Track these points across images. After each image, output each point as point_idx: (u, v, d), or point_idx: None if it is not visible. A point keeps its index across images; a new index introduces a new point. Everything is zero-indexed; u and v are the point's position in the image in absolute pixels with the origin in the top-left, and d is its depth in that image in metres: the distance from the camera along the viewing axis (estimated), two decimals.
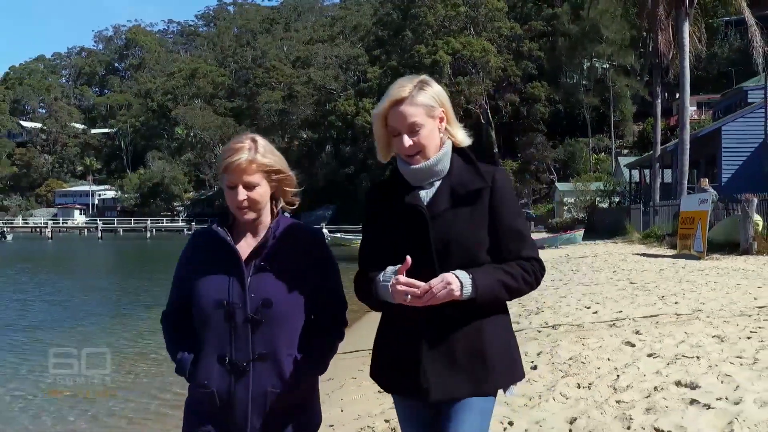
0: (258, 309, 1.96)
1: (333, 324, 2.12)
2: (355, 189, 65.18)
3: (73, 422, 6.00)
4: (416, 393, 1.97)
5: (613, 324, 6.95)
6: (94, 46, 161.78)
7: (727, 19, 49.73)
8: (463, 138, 2.06)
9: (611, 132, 54.77)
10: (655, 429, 3.65)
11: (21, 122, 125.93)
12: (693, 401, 3.98)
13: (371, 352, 2.15)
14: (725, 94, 36.25)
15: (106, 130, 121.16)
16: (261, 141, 2.03)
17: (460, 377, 1.93)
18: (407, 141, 1.97)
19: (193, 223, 72.64)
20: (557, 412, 4.16)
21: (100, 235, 72.50)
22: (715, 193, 18.44)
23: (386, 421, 4.44)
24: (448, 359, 1.94)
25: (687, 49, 22.49)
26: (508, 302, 2.05)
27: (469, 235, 1.95)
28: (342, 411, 5.02)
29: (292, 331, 2.03)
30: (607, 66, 56.60)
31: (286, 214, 2.14)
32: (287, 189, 2.10)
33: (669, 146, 29.60)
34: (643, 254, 17.10)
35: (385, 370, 2.08)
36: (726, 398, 3.97)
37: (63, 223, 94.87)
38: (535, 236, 30.33)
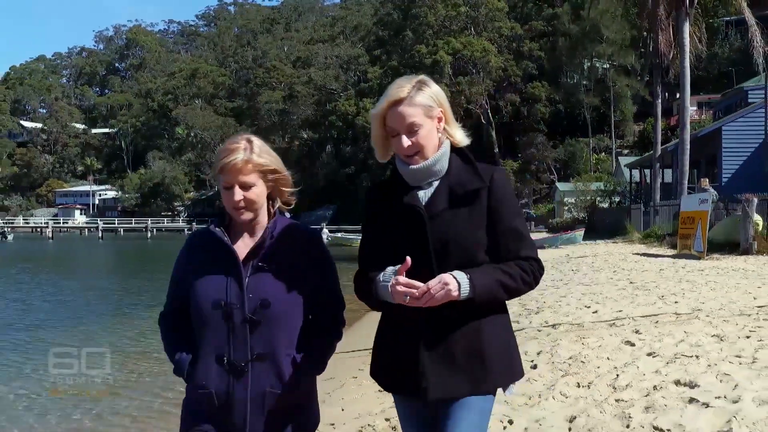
0: (256, 309, 1.97)
1: (331, 324, 2.12)
2: (355, 189, 65.21)
3: (78, 420, 6.02)
4: (415, 392, 1.97)
5: (613, 323, 6.97)
6: (94, 46, 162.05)
7: (728, 19, 49.73)
8: (462, 138, 2.07)
9: (611, 132, 54.79)
10: (654, 427, 3.67)
11: (22, 122, 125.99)
12: (692, 400, 4.00)
13: (371, 351, 2.16)
14: (725, 94, 36.26)
15: (106, 130, 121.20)
16: (256, 141, 2.04)
17: (458, 377, 1.94)
18: (406, 141, 1.97)
19: (194, 223, 72.65)
20: (557, 411, 4.18)
21: (100, 235, 72.54)
22: (716, 193, 18.46)
23: (387, 419, 4.45)
24: (447, 359, 1.94)
25: (687, 49, 22.51)
26: (507, 302, 2.05)
27: (468, 235, 1.95)
28: (342, 410, 5.03)
29: (290, 331, 2.03)
30: (608, 66, 56.60)
31: (287, 214, 2.14)
32: (284, 189, 2.10)
33: (669, 146, 29.61)
34: (644, 254, 17.12)
35: (385, 370, 2.08)
36: (725, 397, 3.99)
37: (63, 223, 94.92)
38: (535, 236, 30.43)
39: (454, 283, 1.86)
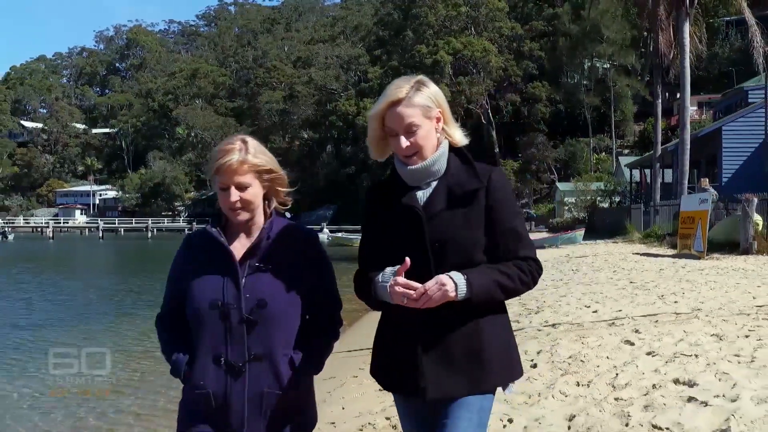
0: (253, 309, 1.96)
1: (328, 324, 2.12)
2: (356, 189, 65.23)
3: (83, 419, 6.07)
4: (414, 392, 1.98)
5: (613, 323, 6.99)
6: (95, 46, 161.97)
7: (728, 19, 49.72)
8: (461, 138, 2.07)
9: (612, 132, 54.79)
10: (652, 426, 3.69)
11: (22, 122, 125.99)
12: (691, 399, 4.02)
13: (371, 350, 2.17)
14: (726, 94, 36.28)
15: (107, 130, 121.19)
16: (251, 141, 2.03)
17: (457, 376, 1.95)
18: (404, 142, 1.97)
19: (194, 223, 72.62)
20: (556, 410, 4.20)
21: (101, 234, 72.55)
22: (716, 192, 18.48)
23: (387, 418, 4.47)
24: (446, 358, 1.95)
25: (687, 49, 22.53)
26: (507, 301, 2.06)
27: (465, 236, 1.96)
28: (343, 409, 5.06)
29: (287, 331, 2.03)
30: (608, 66, 56.59)
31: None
32: (280, 189, 2.09)
33: (669, 146, 29.62)
34: (644, 254, 17.14)
35: (384, 369, 2.09)
36: (723, 396, 4.01)
37: (64, 223, 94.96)
38: (535, 236, 30.50)
39: (451, 283, 1.87)
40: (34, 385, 7.25)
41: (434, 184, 2.02)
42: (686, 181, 22.36)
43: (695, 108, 41.52)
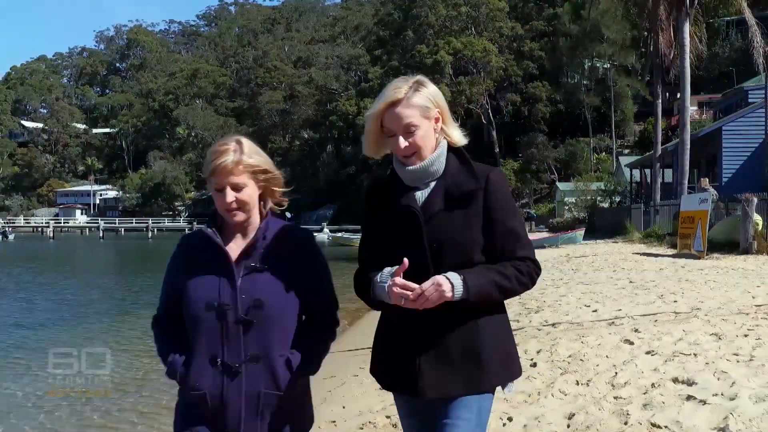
0: (249, 310, 1.96)
1: (325, 324, 2.12)
2: (356, 189, 65.19)
3: (87, 417, 6.12)
4: (413, 391, 2.00)
5: (613, 322, 7.01)
6: (95, 46, 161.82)
7: (728, 18, 49.72)
8: (459, 138, 2.07)
9: (612, 132, 54.77)
10: (651, 424, 3.71)
11: (22, 122, 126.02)
12: (689, 397, 4.04)
13: (371, 350, 2.18)
14: (726, 94, 36.27)
15: (107, 130, 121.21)
16: (246, 142, 2.03)
17: (455, 376, 1.96)
18: (403, 142, 1.97)
19: (195, 223, 72.63)
20: (556, 408, 4.23)
21: (101, 234, 72.63)
22: (715, 192, 18.51)
23: (387, 417, 4.50)
24: (444, 358, 1.96)
25: (687, 48, 22.55)
26: (507, 301, 2.06)
27: (463, 236, 1.96)
28: (344, 407, 5.08)
29: (284, 331, 2.03)
30: (608, 66, 56.56)
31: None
32: (275, 189, 2.09)
33: (670, 146, 29.64)
34: (644, 254, 17.15)
35: (384, 369, 2.10)
36: (722, 394, 4.03)
37: (64, 222, 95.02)
38: (536, 236, 30.51)
39: (447, 284, 1.88)
40: (38, 384, 7.30)
41: (433, 184, 2.02)
42: (686, 181, 22.39)
43: (695, 108, 41.52)
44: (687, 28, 22.50)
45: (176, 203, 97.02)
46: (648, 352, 5.35)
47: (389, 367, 2.07)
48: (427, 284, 1.87)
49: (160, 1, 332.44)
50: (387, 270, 1.96)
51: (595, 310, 7.93)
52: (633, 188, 35.38)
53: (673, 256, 15.75)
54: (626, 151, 53.69)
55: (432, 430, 2.00)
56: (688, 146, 22.46)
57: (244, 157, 1.99)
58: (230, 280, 1.98)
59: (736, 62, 47.47)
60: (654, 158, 28.30)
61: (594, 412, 4.04)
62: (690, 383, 4.34)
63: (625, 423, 3.79)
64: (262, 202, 2.08)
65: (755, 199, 14.95)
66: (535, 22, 68.00)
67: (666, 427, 3.65)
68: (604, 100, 55.96)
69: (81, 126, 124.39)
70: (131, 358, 8.63)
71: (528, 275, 1.99)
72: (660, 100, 28.79)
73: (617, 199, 36.49)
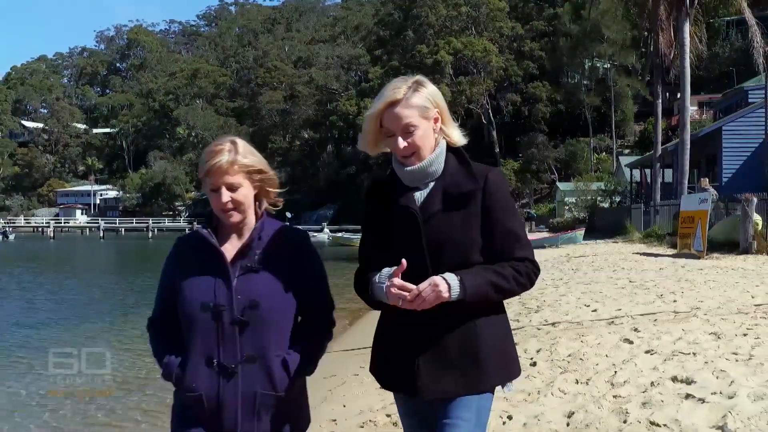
0: (245, 310, 1.95)
1: (321, 324, 2.12)
2: (356, 189, 65.21)
3: (92, 415, 6.17)
4: (412, 391, 2.00)
5: (612, 322, 7.03)
6: (95, 46, 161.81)
7: (728, 18, 49.71)
8: (459, 138, 2.07)
9: (612, 132, 54.76)
10: (650, 422, 3.73)
11: (23, 122, 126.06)
12: (688, 396, 4.06)
13: (371, 349, 2.19)
14: (726, 94, 36.28)
15: (107, 130, 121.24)
16: (240, 142, 2.03)
17: (453, 376, 1.96)
18: (401, 143, 1.98)
19: (195, 223, 72.66)
20: (555, 407, 4.25)
21: (102, 234, 72.67)
22: (715, 192, 18.52)
23: (387, 415, 4.52)
24: (442, 358, 1.97)
25: (688, 48, 22.56)
26: (507, 301, 2.07)
27: (462, 237, 1.96)
28: (344, 406, 5.11)
29: (280, 332, 2.02)
30: (609, 66, 56.55)
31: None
32: (270, 189, 2.09)
33: (670, 146, 29.64)
34: (644, 253, 17.17)
35: (383, 368, 2.11)
36: (720, 393, 4.05)
37: (65, 222, 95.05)
38: (536, 235, 30.52)
39: (444, 285, 1.88)
40: (41, 383, 7.34)
41: (432, 184, 2.02)
42: (686, 181, 22.40)
43: (695, 108, 41.53)
44: (687, 28, 22.51)
45: (176, 203, 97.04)
46: (647, 351, 5.37)
47: (388, 367, 2.08)
48: (424, 285, 1.88)
49: (160, 1, 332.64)
50: (386, 270, 1.97)
51: (594, 310, 7.95)
52: (633, 188, 35.40)
53: (673, 255, 15.76)
54: (626, 151, 53.69)
55: (432, 430, 2.00)
56: (688, 146, 22.47)
57: (239, 157, 1.99)
58: (226, 281, 1.98)
59: (736, 62, 47.47)
60: (654, 158, 28.31)
61: (593, 410, 4.06)
62: (689, 382, 4.36)
63: (624, 421, 3.82)
64: (257, 203, 2.08)
65: (755, 199, 14.97)
66: (535, 22, 67.98)
67: (665, 425, 3.67)
68: (604, 100, 55.96)
69: (81, 126, 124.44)
70: (134, 357, 8.66)
71: (526, 276, 1.99)
72: (660, 100, 28.80)
73: (617, 199, 36.49)
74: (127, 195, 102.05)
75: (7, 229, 70.67)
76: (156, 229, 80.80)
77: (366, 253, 2.12)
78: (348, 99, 72.29)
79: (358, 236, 2.48)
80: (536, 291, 9.36)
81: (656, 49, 25.66)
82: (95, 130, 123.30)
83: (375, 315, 2.16)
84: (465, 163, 2.04)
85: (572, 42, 55.06)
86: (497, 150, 62.62)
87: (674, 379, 4.48)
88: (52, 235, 72.70)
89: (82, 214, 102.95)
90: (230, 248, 2.03)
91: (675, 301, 8.19)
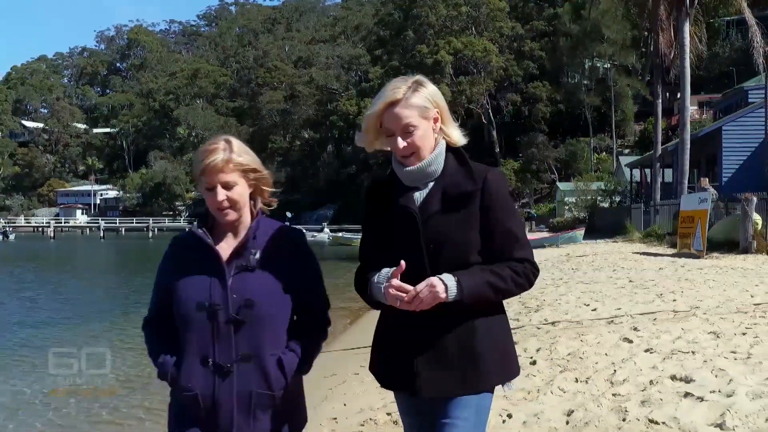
0: (240, 309, 1.95)
1: (316, 323, 2.11)
2: (356, 189, 65.21)
3: (96, 413, 6.22)
4: (411, 390, 2.01)
5: (612, 321, 7.05)
6: (95, 46, 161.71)
7: (728, 18, 49.71)
8: (459, 138, 2.07)
9: (612, 132, 54.77)
10: (649, 420, 3.75)
11: (23, 122, 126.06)
12: (687, 394, 4.08)
13: (371, 348, 2.20)
14: (726, 94, 36.29)
15: (108, 130, 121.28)
16: (235, 141, 2.04)
17: (451, 376, 1.97)
18: (401, 143, 1.98)
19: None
20: (555, 405, 4.27)
21: (102, 234, 72.76)
22: (715, 192, 18.54)
23: (388, 414, 4.54)
24: (441, 358, 1.97)
25: (688, 48, 22.57)
26: (507, 300, 2.07)
27: (460, 237, 1.96)
28: (345, 405, 5.13)
29: (275, 331, 2.02)
30: (609, 66, 56.56)
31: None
32: (265, 188, 2.09)
33: (670, 146, 29.66)
34: (644, 253, 17.19)
35: (382, 368, 2.12)
36: (719, 391, 4.07)
37: (65, 222, 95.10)
38: (536, 235, 30.52)
39: (441, 285, 1.88)
40: (45, 382, 7.39)
41: (431, 185, 2.02)
42: (686, 181, 22.42)
43: (695, 108, 41.52)
44: (687, 28, 22.53)
45: (177, 203, 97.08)
46: (647, 350, 5.39)
47: (388, 367, 2.09)
48: (421, 286, 1.88)
49: (160, 1, 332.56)
50: (385, 271, 1.97)
51: (594, 309, 7.97)
52: (633, 188, 35.42)
53: (673, 255, 15.79)
54: (626, 150, 53.70)
55: (432, 428, 2.01)
56: (688, 146, 22.49)
57: (234, 155, 1.99)
58: (221, 280, 1.98)
59: (736, 62, 47.46)
60: (654, 158, 28.33)
61: (593, 409, 4.09)
62: (688, 380, 4.38)
63: (624, 419, 3.84)
64: (252, 202, 2.08)
65: (755, 199, 14.99)
66: (535, 22, 67.98)
67: (664, 423, 3.69)
68: (604, 99, 55.97)
69: (81, 126, 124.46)
70: (136, 356, 8.69)
71: (524, 276, 1.99)
72: (660, 100, 28.81)
73: (617, 198, 36.51)
74: (128, 195, 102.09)
75: (7, 228, 70.75)
76: (156, 229, 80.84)
77: (366, 253, 2.12)
78: (348, 99, 72.32)
79: (358, 236, 2.49)
80: (536, 290, 9.38)
81: (656, 49, 25.68)
82: (95, 130, 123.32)
83: (375, 314, 2.17)
84: (464, 164, 2.04)
85: (572, 42, 55.07)
86: (497, 150, 62.64)
87: (673, 377, 4.50)
88: (52, 235, 72.76)
89: (82, 214, 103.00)
90: (226, 247, 2.03)
91: (674, 300, 8.21)
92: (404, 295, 1.89)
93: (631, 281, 10.64)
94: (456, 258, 1.95)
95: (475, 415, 1.98)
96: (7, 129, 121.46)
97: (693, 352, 5.14)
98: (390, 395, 3.17)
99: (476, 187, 1.98)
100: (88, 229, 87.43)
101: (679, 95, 28.09)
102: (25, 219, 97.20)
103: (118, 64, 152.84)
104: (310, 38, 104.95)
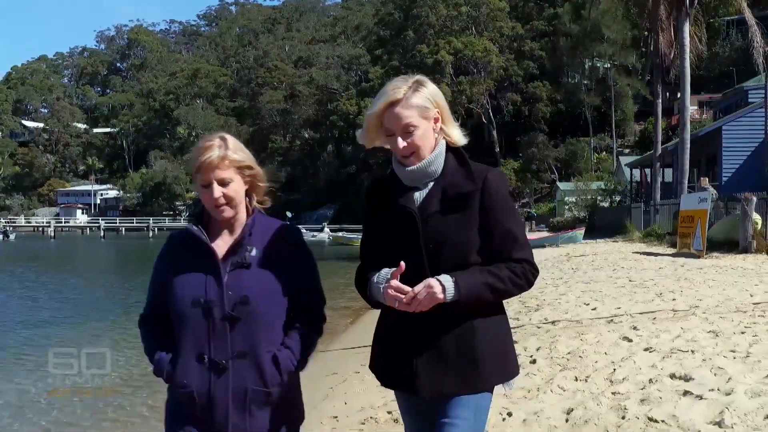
0: (236, 306, 1.96)
1: (312, 320, 2.11)
2: (356, 188, 65.20)
3: (101, 411, 6.30)
4: (410, 389, 2.02)
5: (611, 320, 7.07)
6: (96, 46, 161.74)
7: (728, 18, 49.72)
8: (459, 138, 2.07)
9: (612, 131, 54.78)
10: (648, 418, 3.78)
11: (23, 122, 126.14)
12: (686, 392, 4.11)
13: (371, 347, 2.21)
14: (726, 93, 36.30)
15: (108, 130, 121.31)
16: (230, 138, 2.04)
17: (450, 376, 1.97)
18: (401, 142, 1.98)
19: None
20: (555, 403, 4.29)
21: (102, 234, 72.84)
22: (715, 192, 18.56)
23: (389, 412, 4.56)
24: (440, 359, 1.98)
25: (688, 48, 22.58)
26: (507, 300, 2.07)
27: (460, 237, 1.96)
28: (346, 404, 5.15)
29: (270, 327, 2.02)
30: (609, 66, 56.56)
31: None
32: (260, 185, 2.09)
33: (670, 146, 29.67)
34: (644, 253, 17.20)
35: (382, 367, 2.12)
36: (718, 389, 4.09)
37: (65, 222, 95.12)
38: (536, 235, 30.52)
39: (438, 286, 1.88)
40: (50, 381, 7.42)
41: (431, 185, 2.03)
42: (686, 181, 22.43)
43: (695, 107, 41.54)
44: (687, 27, 22.54)
45: (177, 203, 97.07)
46: (646, 349, 5.41)
47: (387, 367, 2.10)
48: (418, 287, 1.89)
49: (160, 1, 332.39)
50: (385, 271, 1.98)
51: (594, 308, 7.99)
52: (633, 188, 35.44)
53: (673, 255, 15.80)
54: (626, 150, 53.70)
55: (432, 427, 2.02)
56: (688, 146, 22.51)
57: (230, 152, 2.00)
58: (216, 277, 1.98)
59: (736, 62, 47.47)
60: (654, 158, 28.33)
61: (592, 407, 4.11)
62: (687, 379, 4.40)
63: (623, 417, 3.86)
64: (247, 199, 2.09)
65: (754, 199, 14.99)
66: (535, 21, 67.98)
67: (663, 421, 3.71)
68: (604, 99, 55.97)
69: (82, 126, 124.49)
70: (139, 354, 8.70)
71: (523, 277, 1.98)
72: (660, 100, 28.81)
73: (617, 198, 36.53)
74: (128, 195, 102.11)
75: (7, 228, 70.82)
76: (156, 229, 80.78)
77: (366, 253, 2.13)
78: (348, 99, 72.31)
79: (359, 236, 2.51)
80: (536, 290, 9.40)
81: (656, 49, 25.69)
82: (96, 130, 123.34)
83: (376, 314, 2.18)
84: (464, 164, 2.04)
85: (572, 42, 55.08)
86: (497, 149, 62.65)
87: (672, 376, 4.52)
88: (52, 234, 72.84)
89: (82, 213, 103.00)
90: (221, 244, 2.04)
91: (674, 299, 8.23)
92: (403, 296, 1.90)
93: (630, 281, 10.66)
94: (455, 258, 1.96)
95: (474, 415, 1.99)
96: (7, 129, 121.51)
97: (692, 351, 5.16)
98: (390, 394, 3.20)
99: (476, 188, 1.98)
100: (88, 228, 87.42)
101: (679, 95, 28.10)
102: (25, 219, 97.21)
103: (118, 64, 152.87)
104: (310, 38, 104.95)
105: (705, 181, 19.35)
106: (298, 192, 77.57)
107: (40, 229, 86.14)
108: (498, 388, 2.09)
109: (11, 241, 60.47)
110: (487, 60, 61.22)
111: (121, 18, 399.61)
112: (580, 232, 27.94)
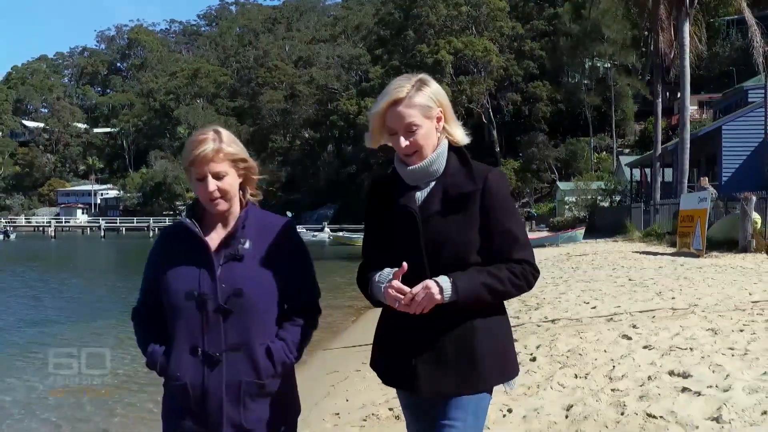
0: (229, 298, 1.95)
1: (306, 313, 2.11)
2: (357, 188, 65.24)
3: (112, 408, 6.38)
4: (410, 388, 2.03)
5: (611, 318, 7.11)
6: (96, 45, 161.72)
7: (728, 18, 49.74)
8: (462, 137, 2.06)
9: (612, 131, 54.82)
10: (647, 414, 3.82)
11: (23, 122, 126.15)
12: (684, 389, 4.15)
13: (372, 345, 2.22)
14: (726, 93, 36.32)
15: (108, 130, 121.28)
16: (224, 131, 2.04)
17: (449, 376, 1.98)
18: (403, 142, 1.98)
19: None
20: (554, 400, 4.33)
21: (102, 234, 72.87)
22: (715, 191, 18.60)
23: (390, 409, 4.60)
24: (439, 359, 1.98)
25: (687, 48, 22.62)
26: (507, 300, 2.07)
27: (460, 237, 1.96)
28: (347, 401, 5.19)
29: (264, 320, 2.02)
30: (609, 65, 56.60)
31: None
32: (253, 178, 2.09)
33: (670, 145, 29.70)
34: (643, 252, 17.23)
35: (382, 368, 2.13)
36: (716, 386, 4.13)
37: (66, 222, 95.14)
38: (536, 235, 30.54)
39: (436, 287, 1.89)
40: (59, 378, 7.47)
41: (432, 184, 2.03)
42: (686, 180, 22.48)
43: (695, 107, 41.57)
44: (687, 27, 22.58)
45: (177, 202, 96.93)
46: (645, 347, 5.45)
47: (387, 366, 2.11)
48: (417, 288, 1.89)
49: (160, 1, 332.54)
50: (386, 271, 1.99)
51: (594, 307, 8.03)
52: (633, 187, 35.47)
53: (673, 254, 15.84)
54: (626, 150, 53.73)
55: (432, 426, 2.03)
56: (688, 145, 22.55)
57: (224, 145, 2.00)
58: (210, 270, 1.98)
59: (736, 62, 47.48)
60: (654, 157, 28.36)
61: (591, 403, 4.15)
62: (685, 376, 4.45)
63: (622, 413, 3.90)
64: (241, 192, 2.08)
65: (754, 198, 15.02)
66: (535, 21, 68.02)
67: (661, 417, 3.75)
68: (604, 99, 56.01)
69: (82, 125, 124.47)
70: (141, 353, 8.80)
71: (523, 278, 1.98)
72: (660, 100, 28.83)
73: (617, 198, 36.56)
74: (128, 194, 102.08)
75: (8, 228, 70.82)
76: (157, 229, 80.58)
77: (368, 252, 2.13)
78: (348, 99, 72.32)
79: (359, 235, 2.54)
80: (536, 289, 9.42)
81: (656, 49, 25.72)
82: (96, 130, 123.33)
83: (377, 312, 2.20)
84: (466, 163, 2.04)
85: (572, 41, 55.10)
86: (498, 149, 62.67)
87: (671, 373, 4.56)
88: (53, 234, 72.88)
89: (82, 213, 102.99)
90: (215, 237, 2.04)
91: (673, 298, 8.27)
92: (402, 297, 1.91)
93: (630, 280, 10.70)
94: (456, 258, 1.96)
95: (473, 415, 2.00)
96: (7, 129, 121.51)
97: (691, 349, 5.20)
98: (391, 391, 3.23)
99: (477, 187, 1.98)
100: (88, 228, 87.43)
101: (679, 95, 28.13)
102: (25, 218, 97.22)
103: (118, 64, 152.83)
104: (310, 38, 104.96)
105: (705, 181, 19.40)
106: (298, 192, 77.61)
107: (41, 228, 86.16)
108: (498, 387, 2.11)
109: (12, 241, 60.51)
110: (487, 60, 61.25)
111: (121, 18, 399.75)
112: (580, 231, 27.99)
